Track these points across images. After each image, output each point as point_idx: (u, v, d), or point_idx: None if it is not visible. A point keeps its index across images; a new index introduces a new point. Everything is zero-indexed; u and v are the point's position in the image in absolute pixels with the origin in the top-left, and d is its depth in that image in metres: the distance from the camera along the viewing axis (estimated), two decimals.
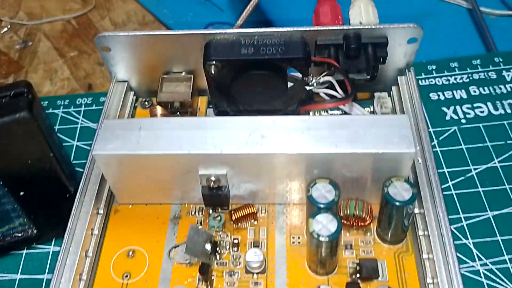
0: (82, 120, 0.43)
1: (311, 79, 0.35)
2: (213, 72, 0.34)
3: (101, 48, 0.36)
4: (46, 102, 0.45)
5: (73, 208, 0.31)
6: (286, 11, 0.48)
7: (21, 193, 0.31)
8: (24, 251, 0.35)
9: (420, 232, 0.30)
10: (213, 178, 0.31)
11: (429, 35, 0.47)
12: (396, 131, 0.29)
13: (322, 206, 0.28)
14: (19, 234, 0.34)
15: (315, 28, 0.34)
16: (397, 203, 0.28)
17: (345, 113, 0.33)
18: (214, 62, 0.34)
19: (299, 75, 0.35)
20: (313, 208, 0.28)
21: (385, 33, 0.34)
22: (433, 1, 0.50)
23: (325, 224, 0.27)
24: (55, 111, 0.44)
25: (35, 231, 0.34)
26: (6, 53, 0.50)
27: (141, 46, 0.36)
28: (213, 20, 0.50)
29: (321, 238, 0.26)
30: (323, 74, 0.35)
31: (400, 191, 0.28)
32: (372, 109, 0.36)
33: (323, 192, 0.29)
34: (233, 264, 0.31)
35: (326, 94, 0.34)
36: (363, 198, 0.32)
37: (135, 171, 0.31)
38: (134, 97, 0.40)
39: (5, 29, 0.51)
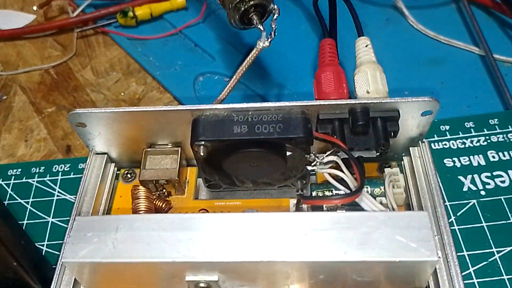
0: (58, 192, 0.39)
1: (313, 157, 0.31)
2: (202, 153, 0.30)
3: (75, 124, 0.32)
4: (20, 170, 0.40)
5: None
6: (284, 83, 0.44)
7: None
8: None
9: None
10: (202, 285, 0.27)
11: (439, 86, 0.43)
12: (415, 233, 0.25)
13: None
14: None
15: (317, 102, 0.30)
16: None
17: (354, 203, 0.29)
18: (203, 143, 0.30)
19: None
20: None
21: (397, 107, 0.30)
22: (441, 47, 0.46)
23: None
24: (29, 180, 0.39)
25: None
26: None
27: (121, 121, 0.32)
28: (203, 70, 0.46)
29: None
30: (327, 153, 0.30)
31: None
32: (382, 189, 0.31)
33: None
34: None
35: (331, 175, 0.30)
36: None
37: (112, 277, 0.27)
38: (115, 169, 0.36)
39: None
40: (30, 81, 0.48)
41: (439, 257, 0.28)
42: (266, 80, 0.44)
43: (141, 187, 0.33)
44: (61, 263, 0.28)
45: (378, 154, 0.31)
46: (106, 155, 0.35)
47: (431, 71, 0.44)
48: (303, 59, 0.45)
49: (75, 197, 0.32)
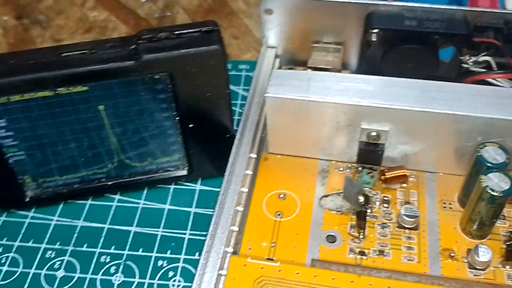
0: None
1: (467, 58, 0.36)
2: (374, 39, 0.36)
3: (264, 10, 0.38)
4: None
5: (234, 148, 0.33)
6: None
7: (190, 125, 0.33)
8: (172, 186, 0.37)
9: None
10: (373, 134, 0.32)
11: None
12: None
13: (492, 166, 0.28)
14: (172, 169, 0.36)
15: (478, 9, 0.35)
16: None
17: None
18: (376, 30, 0.35)
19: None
20: (480, 168, 0.29)
21: None
22: None
23: (497, 182, 0.27)
24: None
25: (186, 169, 0.36)
26: (146, 19, 0.54)
27: (301, 11, 0.38)
28: None
29: (494, 193, 0.27)
30: (482, 54, 0.35)
31: None
32: None
33: (493, 154, 0.29)
34: (385, 219, 0.31)
35: None
36: None
37: (299, 118, 0.33)
38: (279, 65, 0.42)
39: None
40: (190, 4, 0.56)
41: None
42: None
43: (309, 69, 0.38)
44: (248, 105, 0.34)
45: None
46: (275, 50, 0.41)
47: None
48: None
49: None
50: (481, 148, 0.29)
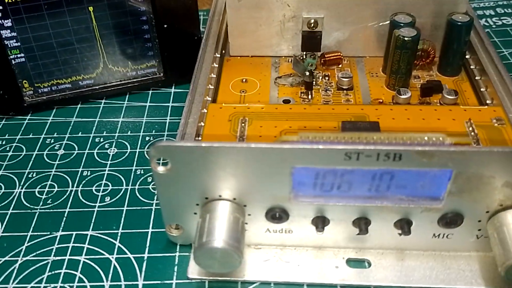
0: None
1: None
2: None
3: None
4: None
5: (201, 48, 0.40)
6: None
7: (165, 26, 0.41)
8: (151, 91, 0.44)
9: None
10: (312, 21, 0.40)
11: None
12: None
13: (403, 24, 0.37)
14: (150, 75, 0.43)
15: None
16: (459, 23, 0.37)
17: None
18: None
19: None
20: (395, 28, 0.38)
21: None
22: None
23: (407, 33, 0.36)
24: None
25: (162, 73, 0.43)
26: None
27: None
28: None
29: (406, 38, 0.36)
30: None
31: (460, 19, 0.38)
32: None
33: (402, 18, 0.38)
34: (327, 85, 0.39)
35: None
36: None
37: (254, 14, 0.40)
38: None
39: None
40: None
41: None
42: None
43: None
44: (213, 11, 0.42)
45: None
46: None
47: None
48: None
49: None
50: (394, 16, 0.38)
